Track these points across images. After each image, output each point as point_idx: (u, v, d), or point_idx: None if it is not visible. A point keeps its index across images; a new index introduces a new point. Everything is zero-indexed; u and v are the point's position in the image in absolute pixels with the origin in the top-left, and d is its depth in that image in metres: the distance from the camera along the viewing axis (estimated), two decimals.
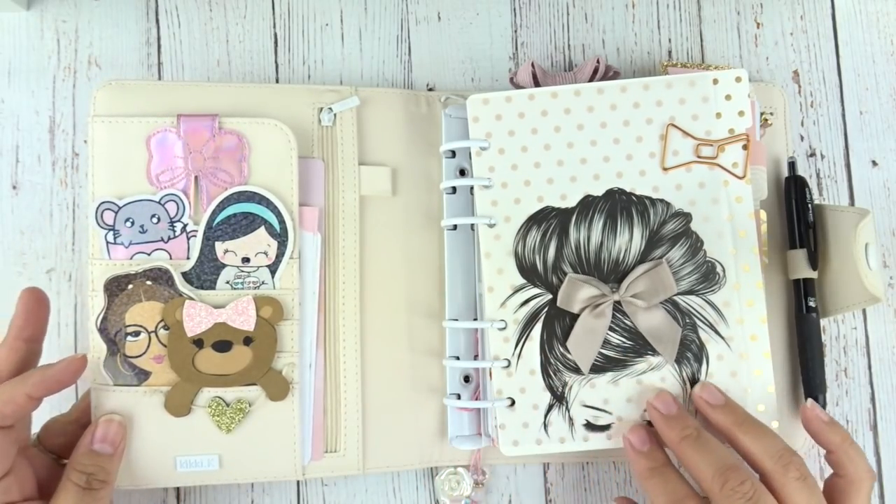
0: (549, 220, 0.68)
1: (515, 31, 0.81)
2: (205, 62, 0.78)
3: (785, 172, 0.76)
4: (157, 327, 0.66)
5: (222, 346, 0.67)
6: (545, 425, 0.67)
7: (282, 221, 0.68)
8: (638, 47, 0.81)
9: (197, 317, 0.66)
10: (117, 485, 0.65)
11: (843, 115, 0.80)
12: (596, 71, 0.72)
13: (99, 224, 0.67)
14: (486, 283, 0.68)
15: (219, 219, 0.67)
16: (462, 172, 0.73)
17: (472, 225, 0.71)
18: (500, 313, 0.68)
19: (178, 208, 0.67)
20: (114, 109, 0.68)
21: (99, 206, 0.67)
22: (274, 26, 0.80)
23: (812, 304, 0.73)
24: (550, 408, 0.67)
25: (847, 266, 0.70)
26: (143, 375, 0.66)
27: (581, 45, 0.81)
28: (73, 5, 0.79)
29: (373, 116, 0.74)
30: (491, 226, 0.68)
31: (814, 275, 0.73)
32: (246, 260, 0.67)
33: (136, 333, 0.66)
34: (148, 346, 0.66)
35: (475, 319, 0.71)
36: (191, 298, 0.66)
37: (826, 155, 0.79)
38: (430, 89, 0.79)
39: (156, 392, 0.66)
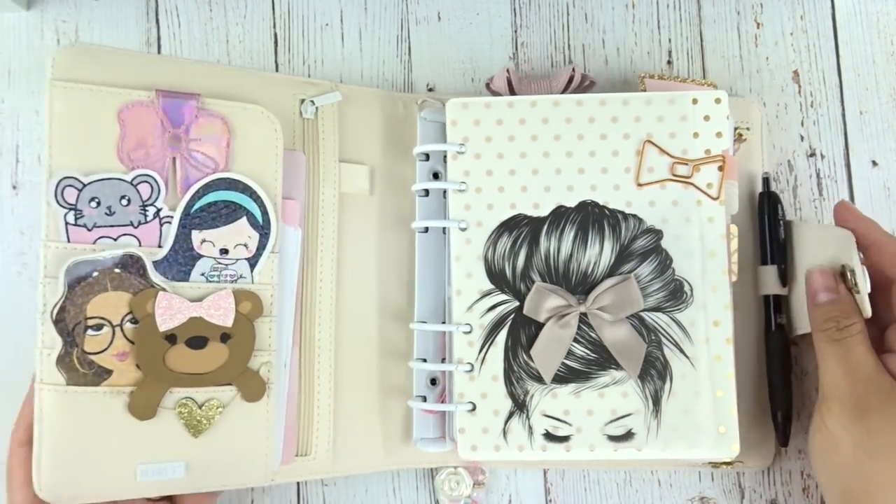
0: (521, 228, 0.68)
1: (515, 31, 0.81)
2: None
3: (759, 188, 0.76)
4: (122, 321, 0.60)
5: (197, 343, 0.62)
6: (504, 432, 0.67)
7: (265, 213, 0.65)
8: (638, 47, 0.80)
9: (171, 310, 0.61)
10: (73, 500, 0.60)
11: (843, 115, 0.80)
12: (571, 79, 0.72)
13: (58, 202, 0.60)
14: (455, 286, 0.68)
15: (197, 206, 0.63)
16: (436, 176, 0.73)
17: (444, 228, 0.71)
18: (467, 317, 0.68)
19: (151, 191, 0.62)
20: (76, 75, 0.61)
21: (60, 181, 0.60)
22: (274, 26, 0.80)
23: (780, 321, 0.73)
24: (511, 415, 0.67)
25: None
26: (103, 374, 0.60)
27: (581, 45, 0.80)
28: (73, 5, 0.79)
29: (351, 114, 0.73)
30: (463, 230, 0.68)
31: (783, 291, 0.72)
32: (224, 251, 0.63)
33: (99, 327, 0.60)
34: (111, 342, 0.60)
35: (444, 322, 0.71)
36: (163, 290, 0.61)
37: (826, 155, 0.79)
38: (430, 89, 0.79)
39: (117, 393, 0.60)
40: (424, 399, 0.71)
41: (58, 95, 0.60)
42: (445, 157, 0.70)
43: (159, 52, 0.79)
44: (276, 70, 0.79)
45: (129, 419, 0.60)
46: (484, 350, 0.68)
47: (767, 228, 0.73)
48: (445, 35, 0.80)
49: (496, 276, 0.68)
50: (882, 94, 0.80)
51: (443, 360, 0.71)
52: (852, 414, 0.61)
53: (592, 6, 0.81)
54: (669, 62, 0.80)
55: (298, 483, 0.73)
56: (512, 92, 0.72)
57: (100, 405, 0.60)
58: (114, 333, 0.60)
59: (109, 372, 0.60)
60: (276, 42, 0.80)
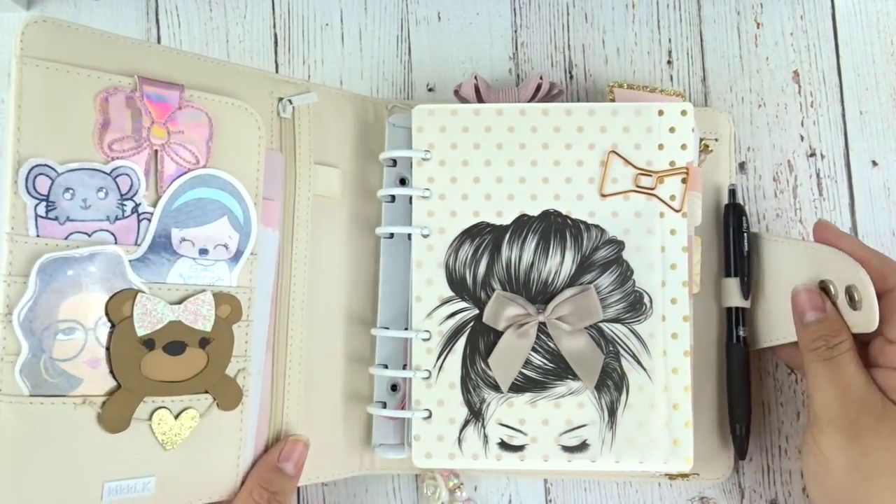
0: (483, 236, 0.68)
1: (515, 31, 0.80)
2: None
3: (725, 199, 0.75)
4: (96, 324, 0.55)
5: (175, 348, 0.58)
6: (459, 440, 0.67)
7: (246, 213, 0.61)
8: (638, 47, 0.80)
9: (150, 313, 0.56)
10: None
11: (843, 115, 0.79)
12: (539, 88, 0.71)
13: (28, 192, 0.53)
14: (415, 292, 0.68)
15: (178, 202, 0.59)
16: (403, 182, 0.73)
17: (409, 235, 0.70)
18: (426, 324, 0.68)
19: (131, 184, 0.57)
20: (50, 53, 0.55)
21: (32, 168, 0.53)
22: (274, 26, 0.79)
23: (742, 333, 0.72)
24: (466, 423, 0.67)
25: (782, 296, 0.69)
26: (72, 383, 0.54)
27: (581, 45, 0.80)
28: (73, 5, 0.80)
29: (324, 116, 0.71)
30: (425, 236, 0.68)
31: (746, 304, 0.72)
32: (204, 252, 0.59)
33: (70, 331, 0.54)
34: (83, 346, 0.54)
35: (406, 329, 0.71)
36: (141, 291, 0.56)
37: (826, 155, 0.79)
38: (430, 89, 0.79)
39: (87, 404, 0.54)
40: (384, 405, 0.71)
41: (30, 74, 0.54)
42: (412, 163, 0.70)
43: None
44: (276, 70, 0.79)
45: (98, 432, 0.55)
46: (442, 357, 0.68)
47: (731, 240, 0.73)
48: (445, 35, 0.80)
49: (457, 284, 0.68)
50: (882, 94, 0.79)
51: (404, 367, 0.71)
52: (845, 435, 0.60)
53: (592, 6, 0.81)
54: (669, 62, 0.80)
55: None
56: (480, 99, 0.72)
57: (67, 418, 0.54)
58: (86, 338, 0.54)
59: (79, 380, 0.54)
60: (276, 42, 0.80)
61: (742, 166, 0.78)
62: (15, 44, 0.54)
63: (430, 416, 0.68)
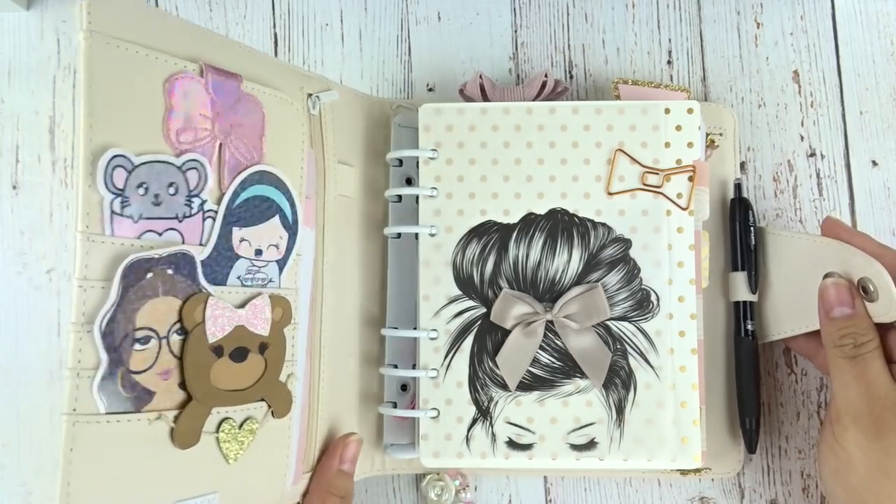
0: (490, 235, 0.68)
1: (515, 31, 0.80)
2: None
3: (731, 194, 0.75)
4: (169, 331, 0.50)
5: (240, 355, 0.54)
6: (467, 439, 0.67)
7: (294, 212, 0.58)
8: (638, 47, 0.80)
9: (221, 318, 0.53)
10: None
11: (843, 115, 0.79)
12: (544, 86, 0.71)
13: (107, 185, 0.48)
14: (422, 291, 0.68)
15: (239, 200, 0.55)
16: (409, 181, 0.72)
17: (416, 234, 0.70)
18: (433, 323, 0.68)
19: (199, 179, 0.52)
20: (117, 31, 0.49)
21: (111, 159, 0.48)
22: (274, 26, 0.78)
23: (750, 327, 0.72)
24: (474, 422, 0.67)
25: (790, 290, 0.69)
26: (144, 397, 0.49)
27: (581, 45, 0.80)
28: (73, 5, 0.75)
29: (342, 115, 0.69)
30: (432, 235, 0.68)
31: (753, 298, 0.72)
32: (259, 252, 0.56)
33: (146, 340, 0.49)
34: (157, 357, 0.50)
35: (415, 328, 0.70)
36: (211, 295, 0.52)
37: (826, 155, 0.79)
38: (430, 89, 0.78)
39: (161, 419, 0.50)
40: (395, 405, 0.70)
41: (100, 51, 0.48)
42: (418, 162, 0.70)
43: None
44: None
45: (169, 448, 0.51)
46: (450, 356, 0.68)
47: (738, 235, 0.73)
48: (445, 35, 0.80)
49: (464, 282, 0.68)
50: (882, 94, 0.79)
51: (413, 366, 0.70)
52: (869, 433, 0.60)
53: (592, 6, 0.81)
54: (669, 62, 0.80)
55: None
56: (485, 98, 0.72)
57: (141, 436, 0.49)
58: (160, 347, 0.50)
59: (151, 394, 0.49)
60: (276, 42, 0.79)
61: (742, 166, 0.78)
62: (80, 17, 0.48)
63: (438, 416, 0.67)
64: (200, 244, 0.53)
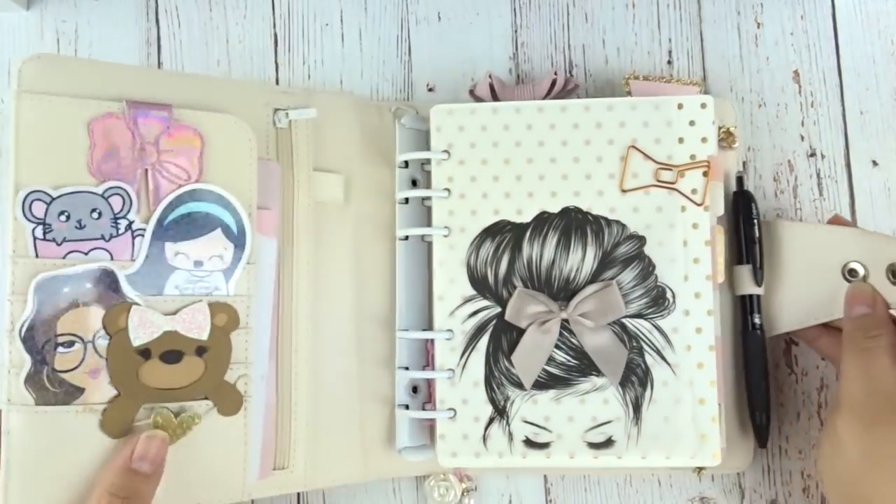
0: (504, 234, 0.68)
1: (515, 31, 0.80)
2: (205, 62, 0.79)
3: (733, 187, 0.74)
4: (95, 336, 0.58)
5: (172, 357, 0.60)
6: (484, 438, 0.67)
7: (239, 224, 0.63)
8: (638, 47, 0.80)
9: (145, 324, 0.60)
10: None
11: (844, 115, 0.79)
12: (554, 83, 0.71)
13: (26, 216, 0.57)
14: (437, 291, 0.68)
15: (170, 218, 0.61)
16: (413, 183, 0.73)
17: (423, 236, 0.71)
18: (449, 323, 0.68)
19: (123, 203, 0.60)
20: (45, 86, 0.59)
21: (27, 195, 0.57)
22: (274, 26, 0.80)
23: (757, 320, 0.71)
24: (491, 421, 0.67)
25: (799, 281, 0.70)
26: (74, 392, 0.58)
27: (581, 45, 0.80)
28: (73, 5, 0.80)
29: (327, 122, 0.71)
30: (446, 236, 0.69)
31: (759, 291, 0.71)
32: (199, 263, 0.62)
33: (70, 344, 0.58)
34: (83, 359, 0.58)
35: (425, 329, 0.71)
36: (136, 304, 0.60)
37: (826, 155, 0.79)
38: (430, 89, 0.79)
39: (90, 411, 0.58)
40: (407, 407, 0.71)
41: (26, 106, 0.58)
42: (424, 164, 0.70)
43: (159, 52, 0.79)
44: (276, 70, 0.79)
45: (102, 437, 0.58)
46: (465, 356, 0.68)
47: (742, 228, 0.72)
48: (445, 35, 0.80)
49: (478, 282, 0.68)
50: (882, 94, 0.79)
51: (424, 368, 0.71)
52: (864, 423, 0.61)
53: (592, 6, 0.80)
54: (669, 62, 0.79)
55: None
56: (495, 98, 0.72)
57: (72, 424, 0.58)
58: (85, 350, 0.58)
59: (81, 390, 0.58)
60: (276, 42, 0.80)
61: (743, 166, 0.77)
62: (13, 81, 0.58)
63: (454, 416, 0.68)
64: (131, 259, 0.60)
